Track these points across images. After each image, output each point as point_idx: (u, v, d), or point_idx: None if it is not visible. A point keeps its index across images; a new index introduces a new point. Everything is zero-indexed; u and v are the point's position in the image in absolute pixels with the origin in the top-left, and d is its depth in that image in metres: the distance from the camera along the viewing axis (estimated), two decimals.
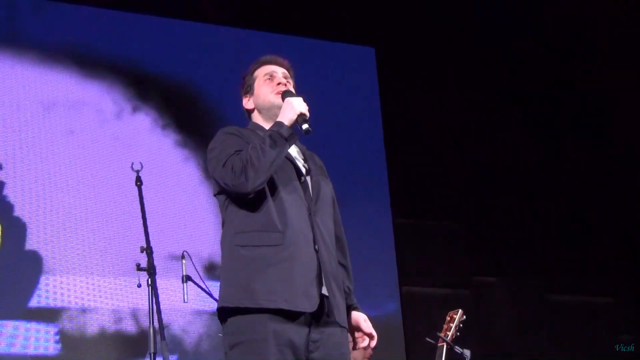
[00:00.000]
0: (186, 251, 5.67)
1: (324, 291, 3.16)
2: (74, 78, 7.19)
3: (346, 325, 3.27)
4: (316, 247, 3.19)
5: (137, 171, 4.97)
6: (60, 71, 7.16)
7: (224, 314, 3.15)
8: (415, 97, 8.48)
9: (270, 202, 3.16)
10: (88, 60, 7.26)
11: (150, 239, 4.78)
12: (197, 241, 7.13)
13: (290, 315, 3.07)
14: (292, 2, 8.04)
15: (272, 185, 3.18)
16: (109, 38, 7.43)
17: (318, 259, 3.18)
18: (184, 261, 5.64)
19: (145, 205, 4.87)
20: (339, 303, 3.19)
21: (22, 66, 7.03)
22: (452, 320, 5.01)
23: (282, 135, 3.16)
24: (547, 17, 8.59)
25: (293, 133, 3.21)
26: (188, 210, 7.25)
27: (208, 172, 3.32)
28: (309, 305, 3.10)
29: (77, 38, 7.29)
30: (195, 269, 5.66)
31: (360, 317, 3.39)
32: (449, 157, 8.53)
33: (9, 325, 6.34)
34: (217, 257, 7.19)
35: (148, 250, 4.70)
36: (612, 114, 8.99)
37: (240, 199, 3.17)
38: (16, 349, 6.32)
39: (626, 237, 8.72)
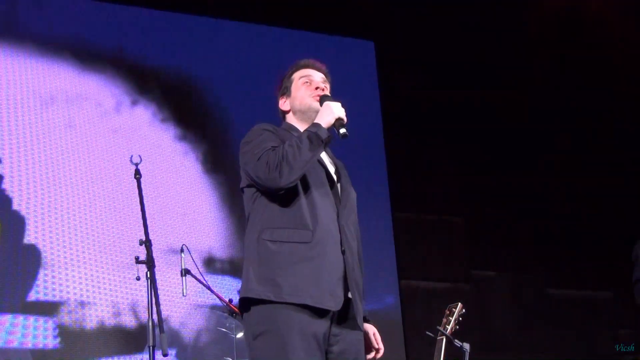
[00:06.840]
0: (185, 245, 5.65)
1: (348, 294, 3.19)
2: (74, 71, 7.19)
3: (363, 330, 3.29)
4: (343, 249, 3.22)
5: (136, 164, 4.92)
6: (60, 64, 7.15)
7: (247, 304, 3.16)
8: (415, 91, 8.47)
9: (302, 200, 3.19)
10: (87, 54, 7.26)
11: (149, 231, 4.75)
12: (196, 235, 7.13)
13: (314, 312, 3.09)
14: None
15: (305, 185, 3.22)
16: (109, 31, 7.42)
17: (344, 260, 3.21)
18: (182, 255, 5.63)
19: (144, 198, 4.84)
20: (359, 307, 3.22)
21: (22, 59, 7.03)
22: (451, 313, 5.01)
23: (319, 137, 3.20)
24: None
25: (330, 135, 3.25)
26: (187, 204, 7.25)
27: (240, 163, 3.31)
28: (334, 304, 3.13)
29: (77, 31, 7.28)
30: (194, 263, 5.65)
31: (370, 329, 3.43)
32: (448, 151, 8.51)
33: (8, 319, 6.34)
34: (216, 251, 7.20)
35: (147, 243, 4.66)
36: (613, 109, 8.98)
37: (270, 194, 3.19)
38: (14, 344, 6.32)
39: (626, 231, 8.70)
